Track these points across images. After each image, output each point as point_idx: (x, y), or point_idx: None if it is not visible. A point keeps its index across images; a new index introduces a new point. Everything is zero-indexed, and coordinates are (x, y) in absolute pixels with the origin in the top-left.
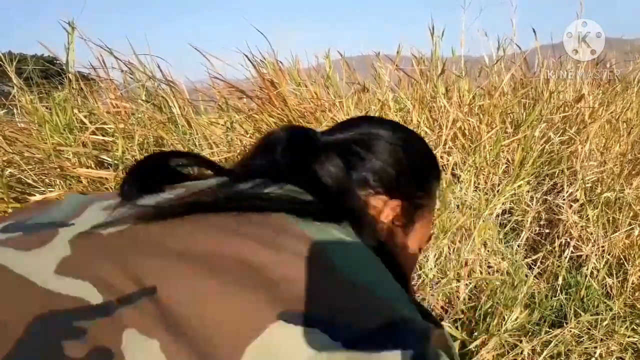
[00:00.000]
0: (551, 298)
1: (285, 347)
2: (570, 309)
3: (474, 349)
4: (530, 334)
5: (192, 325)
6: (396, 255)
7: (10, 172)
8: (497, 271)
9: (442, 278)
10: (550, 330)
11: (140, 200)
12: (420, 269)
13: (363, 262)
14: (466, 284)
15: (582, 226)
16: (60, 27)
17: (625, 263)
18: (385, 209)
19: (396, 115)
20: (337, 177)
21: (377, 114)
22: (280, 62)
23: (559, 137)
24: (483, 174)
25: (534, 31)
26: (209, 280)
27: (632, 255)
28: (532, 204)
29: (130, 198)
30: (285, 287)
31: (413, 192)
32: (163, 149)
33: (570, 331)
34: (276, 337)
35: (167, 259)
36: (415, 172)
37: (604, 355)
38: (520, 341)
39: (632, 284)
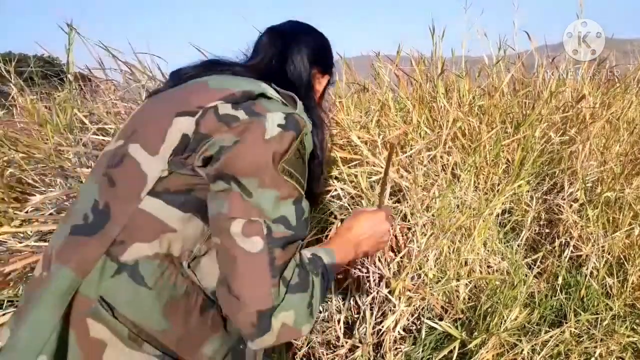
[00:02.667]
0: (551, 298)
1: (179, 126)
2: (570, 309)
3: (473, 349)
4: (530, 333)
5: (146, 133)
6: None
7: (10, 172)
8: (496, 271)
9: (442, 277)
10: (550, 329)
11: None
12: (420, 269)
13: (245, 82)
14: (466, 284)
15: (582, 226)
16: (62, 27)
17: (625, 263)
18: (321, 80)
19: (396, 115)
20: (303, 60)
21: (377, 114)
22: None
23: (559, 137)
24: (483, 174)
25: (528, 35)
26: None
27: (632, 255)
28: (532, 203)
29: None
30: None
31: (329, 70)
32: None
33: (570, 331)
34: (175, 125)
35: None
36: (327, 58)
37: (603, 355)
38: (520, 341)
39: (632, 283)
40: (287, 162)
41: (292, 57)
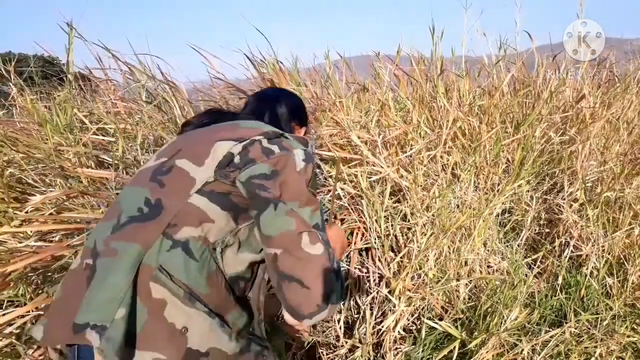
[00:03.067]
0: (551, 297)
1: (221, 147)
2: (570, 309)
3: (473, 349)
4: (530, 333)
5: (191, 153)
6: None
7: (10, 172)
8: (496, 271)
9: (442, 277)
10: (550, 329)
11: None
12: (420, 268)
13: (264, 126)
14: (466, 284)
15: (582, 226)
16: (62, 26)
17: (625, 263)
18: (300, 130)
19: (396, 115)
20: (284, 115)
21: (377, 114)
22: (281, 62)
23: (559, 136)
24: (483, 174)
25: (529, 34)
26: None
27: (632, 254)
28: (532, 203)
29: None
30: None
31: (305, 124)
32: None
33: (570, 331)
34: (219, 146)
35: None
36: (303, 117)
37: (603, 355)
38: (520, 340)
39: (632, 283)
40: (311, 185)
41: (276, 113)
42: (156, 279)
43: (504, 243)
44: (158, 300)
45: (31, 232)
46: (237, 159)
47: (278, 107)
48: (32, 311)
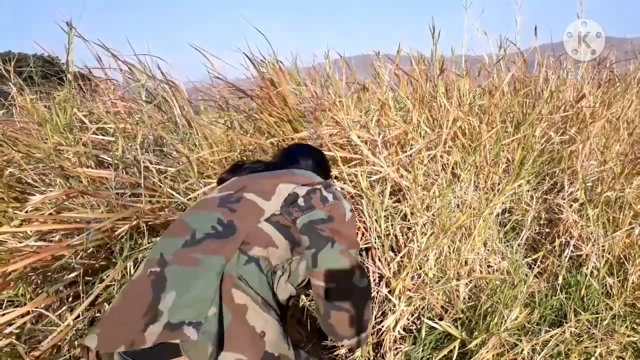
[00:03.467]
0: (551, 297)
1: (285, 188)
2: (570, 309)
3: (473, 348)
4: (530, 333)
5: (257, 189)
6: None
7: (10, 172)
8: (497, 270)
9: (442, 277)
10: (550, 329)
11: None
12: (421, 268)
13: (308, 173)
14: (466, 283)
15: (582, 225)
16: (62, 26)
17: (626, 262)
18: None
19: (396, 114)
20: (309, 166)
21: (377, 114)
22: (281, 61)
23: (559, 136)
24: (483, 173)
25: (535, 30)
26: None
27: (633, 254)
28: (532, 203)
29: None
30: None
31: (328, 176)
32: (163, 148)
33: (570, 330)
34: (282, 187)
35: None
36: (327, 168)
37: (604, 355)
38: (520, 340)
39: (633, 283)
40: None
41: (307, 166)
42: (238, 286)
43: (504, 243)
44: (240, 305)
45: (31, 231)
46: (300, 201)
47: (307, 160)
48: (32, 311)
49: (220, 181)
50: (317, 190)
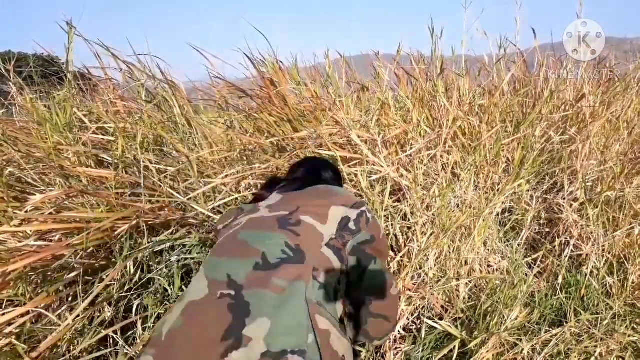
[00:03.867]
0: (551, 297)
1: (337, 211)
2: (570, 308)
3: (474, 348)
4: (530, 333)
5: (311, 210)
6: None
7: (10, 171)
8: (497, 270)
9: (442, 277)
10: (550, 329)
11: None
12: (421, 268)
13: (342, 190)
14: (466, 283)
15: (582, 225)
16: (63, 26)
17: (626, 262)
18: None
19: (396, 114)
20: (331, 177)
21: (377, 113)
22: (280, 61)
23: (559, 136)
24: (483, 173)
25: (534, 31)
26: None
27: (633, 254)
28: (532, 203)
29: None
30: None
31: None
32: (163, 148)
33: (570, 330)
34: (334, 210)
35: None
36: (341, 176)
37: (604, 355)
38: (520, 340)
39: (633, 283)
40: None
41: (326, 178)
42: (320, 312)
43: (504, 242)
44: (324, 331)
45: (31, 231)
46: (351, 224)
47: (328, 173)
48: (32, 311)
49: (258, 198)
50: (364, 213)
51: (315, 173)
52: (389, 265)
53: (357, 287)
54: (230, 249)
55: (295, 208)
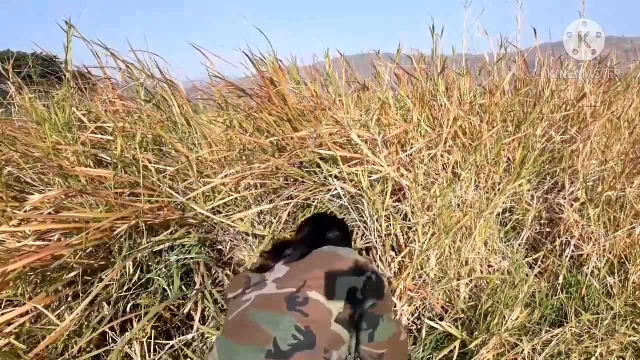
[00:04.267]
0: (552, 297)
1: (344, 282)
2: (571, 308)
3: (474, 348)
4: (530, 333)
5: (318, 285)
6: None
7: (9, 171)
8: (497, 270)
9: (443, 277)
10: (551, 329)
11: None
12: (422, 269)
13: (347, 253)
14: (467, 283)
15: (583, 225)
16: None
17: (627, 262)
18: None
19: (397, 113)
20: (338, 237)
21: (377, 113)
22: (280, 60)
23: (560, 135)
24: (484, 173)
25: (535, 30)
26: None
27: (634, 254)
28: (533, 202)
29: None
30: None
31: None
32: (162, 147)
33: (571, 330)
34: (340, 281)
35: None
36: (349, 233)
37: (604, 355)
38: (521, 340)
39: (634, 283)
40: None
41: (334, 237)
42: None
43: (505, 242)
44: None
45: (30, 231)
46: (359, 295)
47: (335, 232)
48: (31, 310)
49: (263, 268)
50: (370, 279)
51: (321, 233)
52: (390, 284)
53: (367, 344)
54: (242, 333)
55: (302, 283)
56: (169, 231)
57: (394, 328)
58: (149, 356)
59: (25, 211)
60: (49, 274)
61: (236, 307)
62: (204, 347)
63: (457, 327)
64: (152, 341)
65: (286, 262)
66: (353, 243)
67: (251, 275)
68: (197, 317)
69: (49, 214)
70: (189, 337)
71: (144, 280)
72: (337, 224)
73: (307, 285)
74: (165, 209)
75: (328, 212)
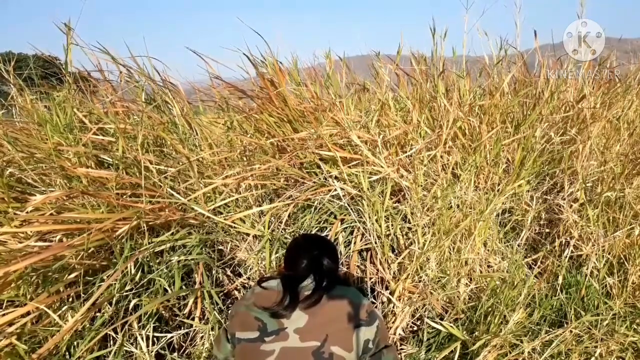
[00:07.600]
0: (551, 298)
1: (360, 336)
2: (571, 309)
3: (474, 349)
4: (530, 333)
5: (339, 338)
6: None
7: (10, 172)
8: (497, 271)
9: (442, 278)
10: (551, 329)
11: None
12: (422, 269)
13: (356, 300)
14: (466, 284)
15: (582, 226)
16: (60, 27)
17: (626, 263)
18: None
19: (396, 114)
20: (332, 266)
21: (377, 114)
22: (280, 62)
23: (559, 136)
24: (483, 174)
25: (535, 32)
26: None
27: (633, 254)
28: (532, 203)
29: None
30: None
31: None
32: (163, 148)
33: (571, 331)
34: (356, 335)
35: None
36: (338, 257)
37: (604, 355)
38: (521, 341)
39: (633, 283)
40: None
41: (330, 268)
42: None
43: (504, 243)
44: None
45: (31, 232)
46: (371, 345)
47: (327, 259)
48: (33, 311)
49: (277, 314)
50: (378, 329)
51: (318, 265)
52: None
53: None
54: None
55: (325, 337)
56: (170, 232)
57: (392, 357)
58: (149, 353)
59: (27, 212)
60: (50, 274)
61: (255, 355)
62: (203, 347)
63: (457, 327)
64: (151, 333)
65: (303, 309)
66: (341, 256)
67: (265, 319)
68: (197, 313)
69: (51, 214)
70: (183, 331)
71: (145, 281)
72: (326, 247)
73: (329, 340)
74: (167, 210)
75: (309, 233)
